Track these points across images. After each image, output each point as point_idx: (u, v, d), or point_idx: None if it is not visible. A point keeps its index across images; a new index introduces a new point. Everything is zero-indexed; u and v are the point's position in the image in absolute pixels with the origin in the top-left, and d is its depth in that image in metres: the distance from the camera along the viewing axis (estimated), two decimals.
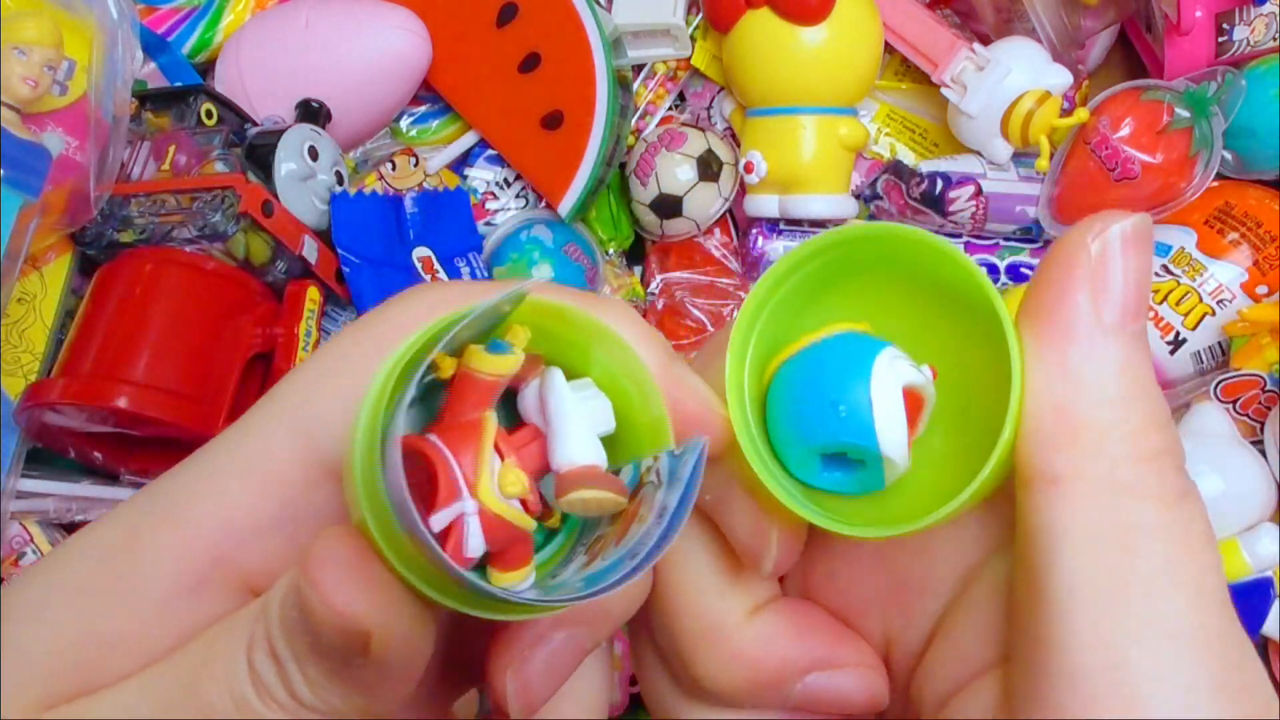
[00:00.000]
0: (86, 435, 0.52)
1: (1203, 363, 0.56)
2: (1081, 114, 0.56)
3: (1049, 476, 0.18)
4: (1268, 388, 0.50)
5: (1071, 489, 0.18)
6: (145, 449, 0.54)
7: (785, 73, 0.56)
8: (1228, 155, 0.56)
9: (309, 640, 0.17)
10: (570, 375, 0.19)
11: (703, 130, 0.60)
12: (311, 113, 0.58)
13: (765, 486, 0.19)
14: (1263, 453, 0.49)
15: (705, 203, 0.59)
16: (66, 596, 0.20)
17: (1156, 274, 0.56)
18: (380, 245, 0.58)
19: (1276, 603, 0.47)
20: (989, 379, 0.19)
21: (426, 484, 0.17)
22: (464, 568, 0.16)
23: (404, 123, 0.65)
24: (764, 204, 0.58)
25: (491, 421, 0.17)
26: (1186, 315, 0.55)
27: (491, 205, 0.62)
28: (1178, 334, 0.55)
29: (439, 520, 0.16)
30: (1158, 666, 0.17)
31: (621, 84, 0.58)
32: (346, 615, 0.16)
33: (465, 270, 0.59)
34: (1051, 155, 0.56)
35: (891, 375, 0.19)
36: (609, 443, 0.18)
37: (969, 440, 0.19)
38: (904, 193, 0.58)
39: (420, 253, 0.59)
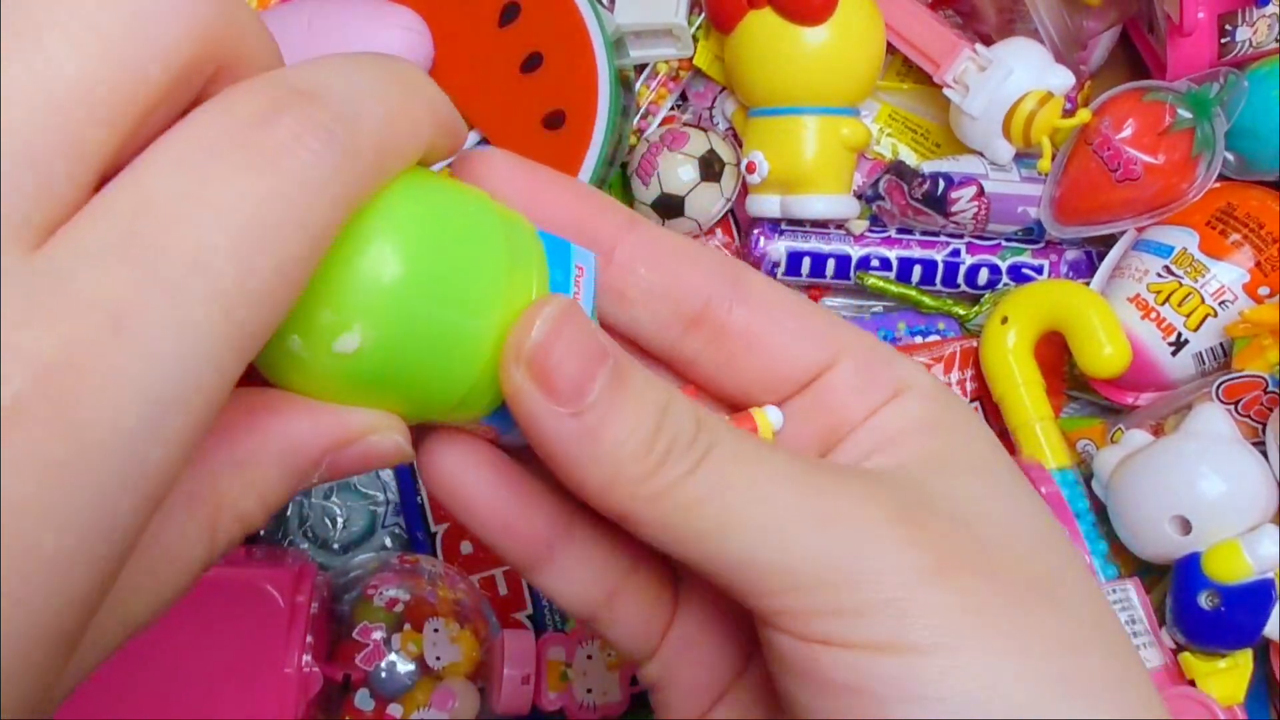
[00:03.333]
0: None
1: (1204, 364, 0.56)
2: (1083, 115, 0.56)
3: None
4: (1269, 389, 0.50)
5: None
6: None
7: (787, 73, 0.56)
8: (1230, 156, 0.56)
9: None
10: None
11: (705, 130, 0.60)
12: None
13: None
14: (1264, 454, 0.49)
15: (707, 203, 0.59)
16: None
17: (1158, 275, 0.56)
18: None
19: (1277, 605, 0.47)
20: None
21: None
22: None
23: None
24: (766, 204, 0.59)
25: None
26: (1188, 316, 0.55)
27: None
28: (1179, 335, 0.55)
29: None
30: None
31: (623, 84, 0.58)
32: None
33: None
34: (1054, 156, 0.56)
35: None
36: None
37: None
38: (906, 193, 0.58)
39: None
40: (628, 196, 0.62)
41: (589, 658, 0.51)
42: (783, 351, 0.23)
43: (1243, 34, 0.56)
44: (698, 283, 0.23)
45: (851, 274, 0.61)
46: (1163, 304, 0.55)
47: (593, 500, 0.21)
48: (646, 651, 0.25)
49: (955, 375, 0.60)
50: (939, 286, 0.61)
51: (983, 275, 0.61)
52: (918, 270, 0.61)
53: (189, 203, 0.15)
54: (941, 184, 0.58)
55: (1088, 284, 0.59)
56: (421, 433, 0.22)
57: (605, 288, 0.23)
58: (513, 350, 0.20)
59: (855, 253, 0.61)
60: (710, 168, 0.59)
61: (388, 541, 0.56)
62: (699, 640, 0.25)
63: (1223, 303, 0.55)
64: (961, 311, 0.62)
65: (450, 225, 0.19)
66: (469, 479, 0.22)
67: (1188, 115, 0.54)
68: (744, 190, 0.60)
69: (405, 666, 0.47)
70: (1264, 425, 0.51)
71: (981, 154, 0.58)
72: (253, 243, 0.15)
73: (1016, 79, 0.55)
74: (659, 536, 0.20)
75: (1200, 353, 0.55)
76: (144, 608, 0.17)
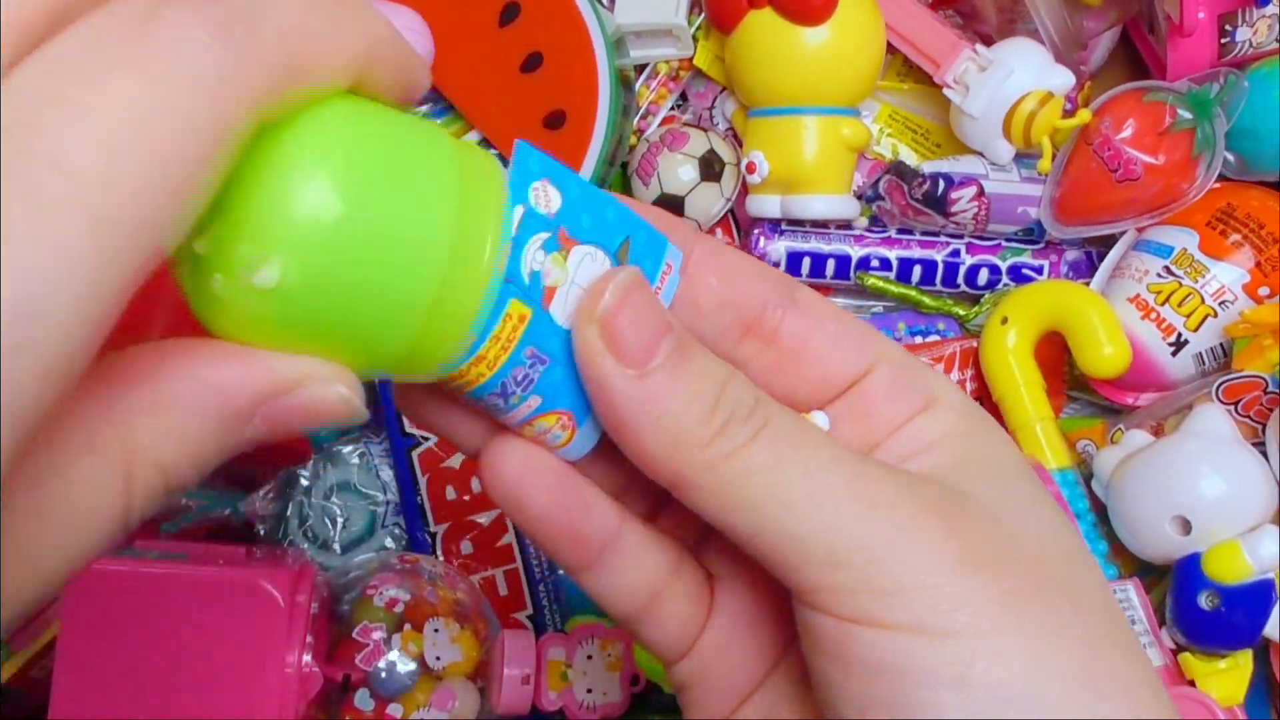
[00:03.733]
0: None
1: (1204, 364, 0.56)
2: (1084, 115, 0.56)
3: None
4: (1269, 389, 0.50)
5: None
6: None
7: (787, 73, 0.56)
8: (1230, 157, 0.56)
9: None
10: None
11: (705, 130, 0.60)
12: None
13: None
14: (1264, 454, 0.49)
15: (707, 203, 0.59)
16: None
17: (1159, 275, 0.56)
18: None
19: (1278, 605, 0.47)
20: None
21: None
22: None
23: None
24: (766, 204, 0.59)
25: None
26: (1188, 317, 0.55)
27: None
28: (1179, 335, 0.55)
29: None
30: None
31: (624, 84, 0.58)
32: None
33: None
34: (1054, 156, 0.56)
35: None
36: None
37: None
38: (906, 193, 0.58)
39: None
40: (627, 197, 0.62)
41: (589, 658, 0.51)
42: (826, 356, 0.24)
43: (1243, 34, 0.56)
44: (758, 292, 0.24)
45: (851, 274, 0.61)
46: (1163, 304, 0.55)
47: (651, 465, 0.21)
48: (680, 652, 0.26)
49: (955, 375, 0.60)
50: (939, 286, 0.61)
51: (983, 275, 0.61)
52: (918, 270, 0.61)
53: (54, 102, 0.14)
54: (941, 184, 0.58)
55: (1088, 284, 0.59)
56: (484, 439, 0.23)
57: (679, 298, 0.24)
58: (584, 312, 0.20)
59: (855, 253, 0.61)
60: (710, 168, 0.59)
61: (388, 541, 0.56)
62: (731, 642, 0.25)
63: (1223, 303, 0.55)
64: (961, 312, 0.62)
65: (385, 152, 0.18)
66: (530, 485, 0.23)
67: (1188, 115, 0.54)
68: (744, 190, 0.60)
69: (405, 666, 0.47)
70: (1264, 425, 0.51)
71: (982, 154, 0.58)
72: (124, 141, 0.14)
73: (1017, 79, 0.55)
74: (711, 504, 0.21)
75: (1200, 353, 0.55)
76: (59, 562, 0.16)
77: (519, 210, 0.20)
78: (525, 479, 0.23)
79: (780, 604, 0.25)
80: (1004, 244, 0.61)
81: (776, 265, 0.61)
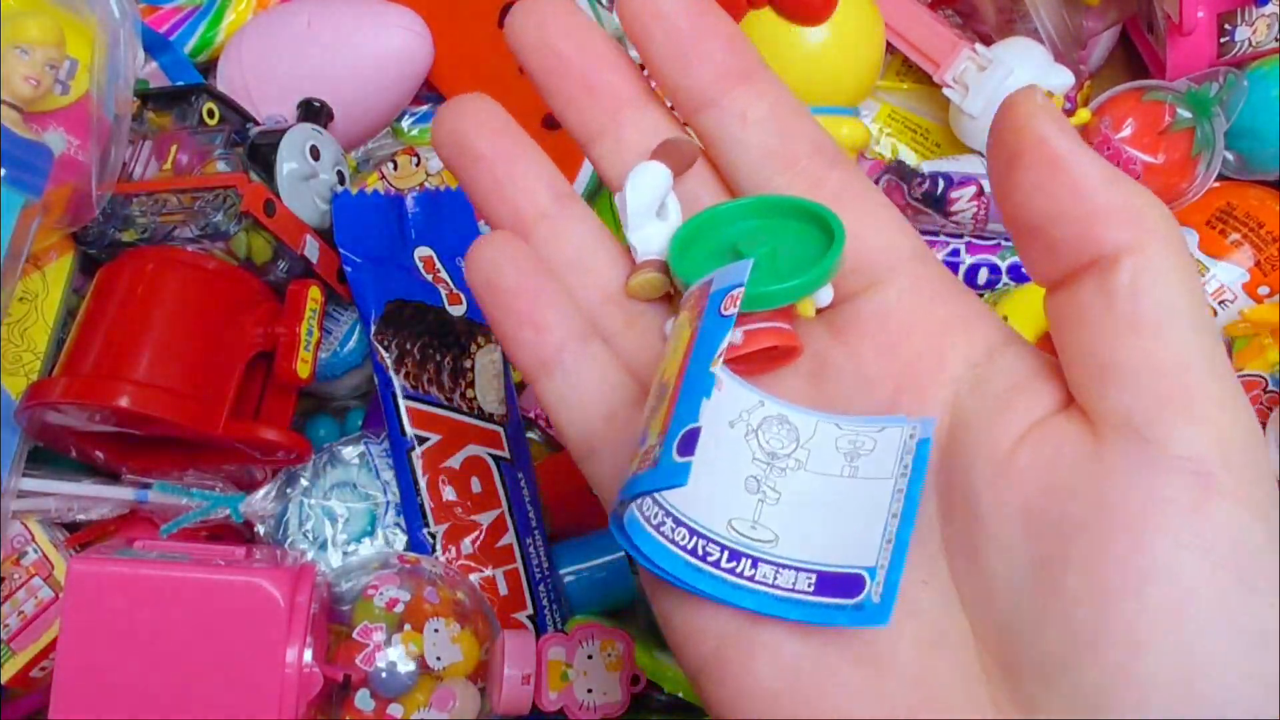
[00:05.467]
0: (88, 434, 0.52)
1: None
2: (1083, 114, 0.56)
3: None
4: (1269, 388, 0.50)
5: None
6: (147, 448, 0.54)
7: (787, 73, 0.56)
8: (1229, 156, 0.56)
9: None
10: None
11: None
12: (313, 112, 0.58)
13: None
14: None
15: None
16: None
17: None
18: (382, 245, 0.58)
19: None
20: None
21: None
22: None
23: (405, 122, 0.65)
24: None
25: None
26: None
27: None
28: None
29: None
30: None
31: None
32: None
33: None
34: None
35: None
36: None
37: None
38: (905, 193, 0.58)
39: (422, 252, 0.59)
40: None
41: (589, 658, 0.51)
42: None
43: (1242, 33, 0.56)
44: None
45: None
46: None
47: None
48: None
49: None
50: None
51: (982, 275, 0.61)
52: None
53: None
54: (941, 184, 0.58)
55: None
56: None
57: None
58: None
59: None
60: None
61: (388, 541, 0.56)
62: None
63: (1222, 302, 0.55)
64: None
65: None
66: (508, 272, 0.25)
67: (1187, 115, 0.54)
68: None
69: (405, 667, 0.47)
70: (1264, 425, 0.51)
71: (981, 154, 0.58)
72: None
73: (1016, 78, 0.55)
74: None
75: None
76: None
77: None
78: (501, 268, 0.25)
79: None
80: (1003, 243, 0.61)
81: None
